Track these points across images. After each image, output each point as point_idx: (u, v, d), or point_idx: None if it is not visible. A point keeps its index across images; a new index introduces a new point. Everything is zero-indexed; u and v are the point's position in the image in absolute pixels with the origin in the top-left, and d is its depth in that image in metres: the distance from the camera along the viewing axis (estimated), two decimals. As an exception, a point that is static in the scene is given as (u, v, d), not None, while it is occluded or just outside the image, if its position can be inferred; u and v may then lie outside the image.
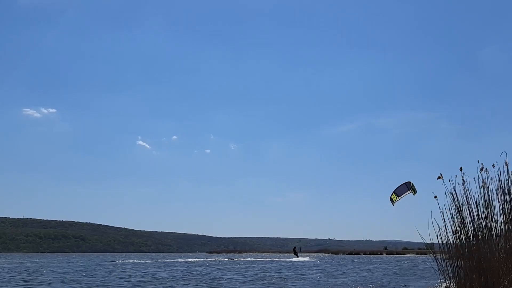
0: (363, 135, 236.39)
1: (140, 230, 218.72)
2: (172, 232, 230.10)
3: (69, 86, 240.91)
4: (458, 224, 7.97)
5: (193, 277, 22.22)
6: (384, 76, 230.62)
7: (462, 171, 7.95)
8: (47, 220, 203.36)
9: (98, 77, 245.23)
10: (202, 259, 59.65)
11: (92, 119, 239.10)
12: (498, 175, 7.90)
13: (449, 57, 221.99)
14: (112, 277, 22.52)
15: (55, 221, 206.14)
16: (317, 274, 24.45)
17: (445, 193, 8.05)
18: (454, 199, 8.03)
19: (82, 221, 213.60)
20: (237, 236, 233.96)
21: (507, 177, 7.84)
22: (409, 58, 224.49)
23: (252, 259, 61.45)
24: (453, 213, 8.02)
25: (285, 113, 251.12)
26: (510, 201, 7.73)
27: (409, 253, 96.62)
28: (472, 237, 7.87)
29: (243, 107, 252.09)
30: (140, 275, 23.87)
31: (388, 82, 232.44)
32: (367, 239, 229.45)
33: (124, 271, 27.61)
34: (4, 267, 36.35)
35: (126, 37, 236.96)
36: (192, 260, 56.01)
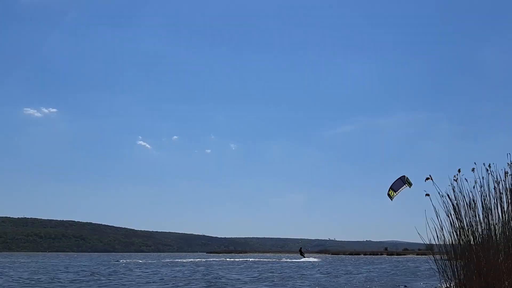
0: (363, 135, 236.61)
1: (141, 230, 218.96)
2: (173, 232, 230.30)
3: (70, 86, 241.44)
4: (458, 225, 7.95)
5: (203, 277, 22.28)
6: (384, 77, 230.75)
7: (461, 173, 7.92)
8: (47, 219, 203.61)
9: (99, 77, 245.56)
10: (205, 259, 59.62)
11: (92, 119, 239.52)
12: (497, 176, 7.88)
13: (449, 58, 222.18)
14: (125, 276, 22.61)
15: (56, 220, 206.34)
16: (321, 275, 24.43)
17: (444, 193, 8.02)
18: (453, 200, 8.01)
19: (83, 221, 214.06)
20: (237, 237, 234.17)
21: (506, 178, 7.82)
22: (409, 59, 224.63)
23: (258, 259, 60.87)
24: (453, 213, 7.99)
25: (286, 114, 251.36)
26: (510, 201, 7.71)
27: (409, 254, 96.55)
28: (472, 238, 7.85)
29: (244, 108, 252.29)
30: (151, 275, 23.86)
31: (388, 83, 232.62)
32: (367, 239, 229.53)
33: (133, 271, 27.63)
34: (7, 266, 36.35)
35: (127, 37, 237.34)
36: (196, 260, 55.99)
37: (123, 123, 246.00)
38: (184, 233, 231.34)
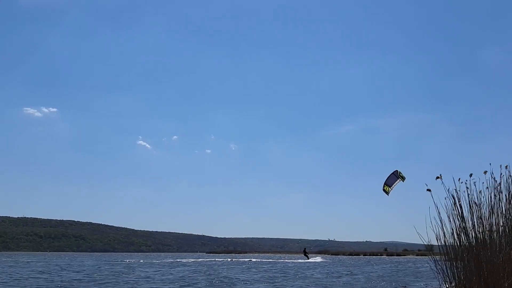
0: (363, 136, 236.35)
1: (140, 230, 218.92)
2: (172, 232, 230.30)
3: (70, 86, 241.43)
4: (459, 226, 7.93)
5: (211, 276, 22.38)
6: (384, 77, 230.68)
7: (462, 172, 7.92)
8: (47, 219, 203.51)
9: (99, 77, 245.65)
10: (208, 259, 59.59)
11: (92, 118, 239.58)
12: (501, 177, 7.87)
13: (449, 58, 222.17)
14: (134, 276, 22.69)
15: (55, 220, 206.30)
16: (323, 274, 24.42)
17: (447, 193, 8.01)
18: (455, 201, 7.99)
19: (82, 221, 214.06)
20: (237, 237, 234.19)
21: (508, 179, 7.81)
22: (410, 59, 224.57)
23: (266, 260, 60.58)
24: (454, 214, 7.97)
25: (286, 114, 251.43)
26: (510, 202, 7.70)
27: (409, 255, 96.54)
28: (473, 239, 7.83)
29: (244, 108, 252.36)
30: (158, 275, 23.90)
31: (388, 83, 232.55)
32: (367, 240, 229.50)
33: (139, 271, 27.69)
34: (9, 265, 36.31)
35: (127, 37, 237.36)
36: (199, 260, 55.93)
37: (123, 123, 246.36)
38: (184, 233, 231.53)
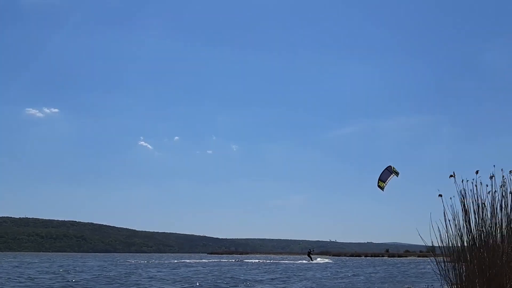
0: (365, 137, 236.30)
1: (142, 231, 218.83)
2: (174, 233, 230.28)
3: (71, 87, 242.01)
4: (462, 227, 7.89)
5: (221, 276, 22.42)
6: (387, 79, 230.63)
7: (478, 175, 7.86)
8: (49, 219, 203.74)
9: (101, 78, 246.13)
10: (212, 260, 59.46)
11: (94, 119, 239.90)
12: (504, 180, 7.82)
13: (452, 60, 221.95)
14: (147, 277, 22.68)
15: (57, 220, 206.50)
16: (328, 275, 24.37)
17: (457, 193, 7.98)
18: (461, 201, 7.94)
19: (84, 221, 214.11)
20: (238, 238, 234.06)
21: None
22: (412, 61, 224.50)
23: (267, 261, 60.44)
24: (461, 215, 7.93)
25: (287, 115, 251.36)
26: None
27: (411, 256, 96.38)
28: (476, 240, 7.78)
29: (245, 109, 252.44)
30: (168, 275, 23.92)
31: (390, 85, 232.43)
32: (369, 241, 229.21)
33: (149, 272, 27.70)
34: (14, 265, 36.33)
35: (129, 38, 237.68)
36: (202, 260, 55.78)
37: (125, 123, 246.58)
38: (185, 234, 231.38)
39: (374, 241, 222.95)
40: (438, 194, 7.93)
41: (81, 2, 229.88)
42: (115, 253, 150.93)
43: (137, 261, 51.24)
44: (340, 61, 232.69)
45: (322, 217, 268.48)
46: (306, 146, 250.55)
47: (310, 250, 69.91)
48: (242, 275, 24.61)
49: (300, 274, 26.61)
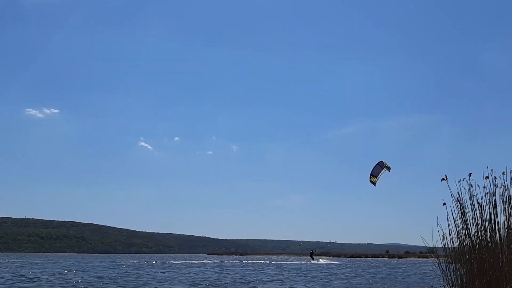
0: (365, 138, 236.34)
1: (142, 231, 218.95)
2: (174, 234, 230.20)
3: (71, 87, 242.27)
4: (462, 227, 7.92)
5: (231, 277, 22.54)
6: (387, 79, 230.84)
7: (461, 175, 7.89)
8: (49, 220, 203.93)
9: (101, 78, 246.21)
10: (216, 261, 59.38)
11: (94, 119, 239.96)
12: (503, 181, 7.85)
13: (452, 60, 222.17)
14: (156, 277, 22.83)
15: (57, 221, 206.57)
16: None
17: (451, 196, 8.00)
18: (458, 203, 7.97)
19: (84, 222, 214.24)
20: (238, 238, 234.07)
21: None
22: (412, 61, 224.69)
23: (271, 262, 60.39)
24: (458, 216, 7.96)
25: (287, 115, 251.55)
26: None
27: (411, 257, 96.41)
28: (475, 241, 7.81)
29: (246, 109, 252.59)
30: (177, 275, 23.98)
31: (390, 85, 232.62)
32: (369, 242, 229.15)
33: (157, 272, 27.78)
34: (17, 265, 36.32)
35: (129, 38, 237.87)
36: (208, 261, 55.69)
37: (125, 124, 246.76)
38: (185, 235, 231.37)
39: (374, 242, 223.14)
40: (443, 203, 7.95)
41: (81, 2, 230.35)
42: (115, 254, 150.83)
43: (138, 262, 51.21)
44: (340, 61, 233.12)
45: (322, 217, 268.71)
46: (306, 146, 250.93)
47: (312, 250, 69.84)
48: (248, 275, 24.71)
49: (308, 274, 26.76)
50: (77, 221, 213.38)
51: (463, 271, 7.80)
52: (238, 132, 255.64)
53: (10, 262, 47.29)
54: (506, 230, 7.67)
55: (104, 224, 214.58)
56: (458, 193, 7.95)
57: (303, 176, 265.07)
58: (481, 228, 7.80)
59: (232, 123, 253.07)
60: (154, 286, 17.49)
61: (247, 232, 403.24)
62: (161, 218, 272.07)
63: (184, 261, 54.42)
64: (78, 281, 19.35)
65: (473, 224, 7.85)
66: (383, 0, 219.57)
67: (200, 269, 31.82)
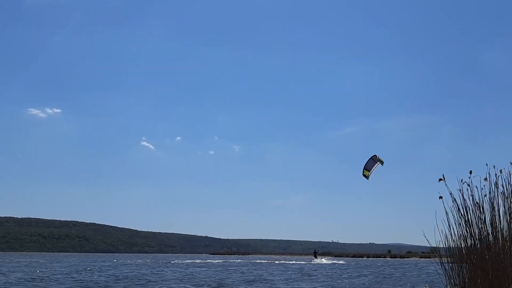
0: (365, 138, 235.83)
1: (144, 231, 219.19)
2: (176, 233, 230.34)
3: (74, 87, 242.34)
4: (464, 228, 7.96)
5: (254, 277, 22.69)
6: (387, 79, 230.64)
7: (472, 174, 7.90)
8: (51, 220, 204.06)
9: (103, 78, 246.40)
10: (219, 260, 59.34)
11: (96, 119, 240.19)
12: (505, 180, 7.89)
13: (452, 60, 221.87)
14: (166, 276, 22.99)
15: (59, 221, 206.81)
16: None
17: (451, 196, 8.04)
18: (459, 203, 8.02)
19: (86, 221, 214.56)
20: (240, 238, 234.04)
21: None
22: (412, 62, 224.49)
23: (275, 261, 60.31)
24: (459, 216, 8.00)
25: (288, 115, 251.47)
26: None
27: (413, 257, 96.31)
28: (478, 241, 7.85)
29: (247, 109, 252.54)
30: (188, 275, 24.09)
31: (390, 85, 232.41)
32: (371, 242, 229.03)
33: (166, 271, 27.84)
34: (20, 265, 36.42)
35: (130, 38, 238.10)
36: (212, 261, 55.68)
37: (127, 124, 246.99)
38: (187, 234, 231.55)
39: (376, 242, 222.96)
40: (439, 196, 8.01)
41: (81, 2, 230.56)
42: (117, 254, 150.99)
43: (141, 261, 51.27)
44: (340, 61, 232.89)
45: (323, 217, 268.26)
46: (306, 146, 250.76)
47: (316, 250, 70.23)
48: (267, 274, 24.94)
49: (316, 273, 26.96)
50: (79, 221, 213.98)
51: (466, 271, 7.85)
52: (239, 132, 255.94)
53: (18, 262, 47.44)
54: (508, 230, 7.72)
55: (106, 224, 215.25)
56: (459, 192, 8.00)
57: (303, 176, 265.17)
58: (482, 228, 7.85)
59: (234, 123, 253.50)
60: (180, 285, 17.56)
61: (248, 232, 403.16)
62: (163, 218, 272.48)
63: (191, 261, 54.43)
64: (97, 280, 19.48)
65: (475, 224, 7.90)
66: (383, 0, 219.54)
67: (216, 269, 31.79)
